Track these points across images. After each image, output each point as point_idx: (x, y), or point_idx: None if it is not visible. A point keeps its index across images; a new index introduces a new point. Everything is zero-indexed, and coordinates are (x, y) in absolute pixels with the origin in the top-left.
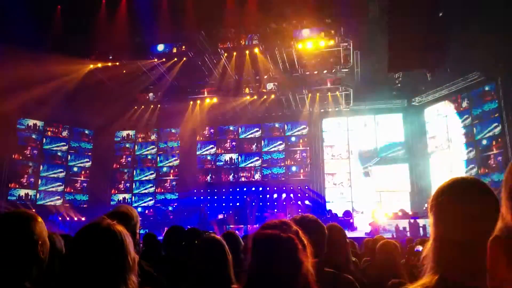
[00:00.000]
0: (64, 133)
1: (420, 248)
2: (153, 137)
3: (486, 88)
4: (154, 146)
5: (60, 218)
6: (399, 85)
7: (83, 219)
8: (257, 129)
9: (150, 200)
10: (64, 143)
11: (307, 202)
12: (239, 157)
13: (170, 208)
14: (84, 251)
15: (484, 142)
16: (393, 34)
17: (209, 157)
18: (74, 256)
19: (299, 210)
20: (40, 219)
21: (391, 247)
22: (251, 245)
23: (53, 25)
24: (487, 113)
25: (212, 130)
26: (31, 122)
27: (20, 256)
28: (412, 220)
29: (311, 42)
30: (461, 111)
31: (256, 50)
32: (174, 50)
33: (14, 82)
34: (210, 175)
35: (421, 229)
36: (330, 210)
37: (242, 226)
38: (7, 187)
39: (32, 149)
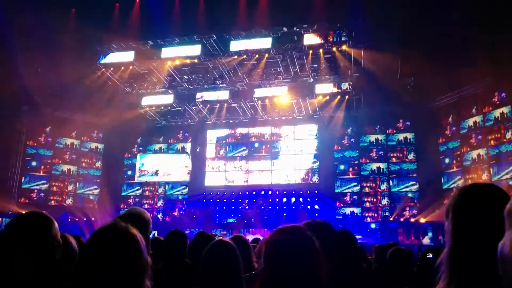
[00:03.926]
0: (76, 135)
1: (431, 255)
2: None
3: (498, 95)
4: (164, 148)
5: (69, 219)
6: (410, 90)
7: (92, 219)
8: (268, 132)
9: (159, 201)
10: (76, 145)
11: (316, 206)
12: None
13: (180, 211)
14: (99, 254)
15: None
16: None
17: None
18: (89, 258)
19: (307, 215)
20: (54, 221)
21: (402, 254)
22: (265, 249)
23: (67, 27)
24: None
25: (222, 133)
26: (43, 123)
27: (36, 257)
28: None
29: (322, 46)
30: (471, 116)
31: (266, 54)
32: (186, 53)
33: (27, 83)
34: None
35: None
36: (342, 215)
37: (252, 230)
38: (19, 188)
39: (44, 150)
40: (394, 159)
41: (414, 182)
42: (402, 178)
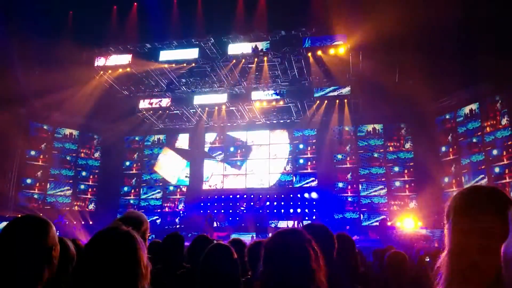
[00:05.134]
0: (73, 138)
1: (428, 258)
2: (161, 141)
3: (496, 98)
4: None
5: (67, 222)
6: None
7: (90, 223)
8: (267, 135)
9: (158, 205)
10: (73, 147)
11: (313, 210)
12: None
13: (178, 215)
14: (99, 257)
15: (495, 152)
16: None
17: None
18: (89, 261)
19: (306, 218)
20: (52, 224)
21: (400, 258)
22: (264, 253)
23: (65, 30)
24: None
25: (221, 136)
26: (41, 125)
27: (34, 261)
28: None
29: (320, 50)
30: (471, 120)
31: (265, 57)
32: (183, 56)
33: (25, 86)
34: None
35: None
36: (339, 218)
37: (249, 233)
38: (17, 190)
39: (41, 152)
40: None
41: (414, 194)
42: (402, 187)
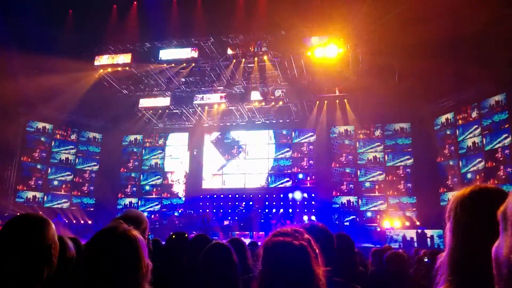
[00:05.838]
0: (73, 137)
1: (427, 259)
2: (160, 141)
3: (497, 99)
4: (161, 151)
5: (66, 221)
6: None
7: (89, 222)
8: (266, 135)
9: (156, 205)
10: (73, 147)
11: (313, 210)
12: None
13: (176, 214)
14: (100, 256)
15: (494, 153)
16: None
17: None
18: (89, 260)
19: (305, 218)
20: (51, 223)
21: (399, 258)
22: (263, 252)
23: (64, 29)
24: (497, 123)
25: (219, 136)
26: (40, 125)
27: (33, 259)
28: (419, 230)
29: (320, 49)
30: (470, 121)
31: (265, 57)
32: (183, 55)
33: (24, 85)
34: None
35: (428, 239)
36: (338, 218)
37: (247, 232)
38: (15, 189)
39: (40, 151)
40: (392, 166)
41: (414, 195)
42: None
